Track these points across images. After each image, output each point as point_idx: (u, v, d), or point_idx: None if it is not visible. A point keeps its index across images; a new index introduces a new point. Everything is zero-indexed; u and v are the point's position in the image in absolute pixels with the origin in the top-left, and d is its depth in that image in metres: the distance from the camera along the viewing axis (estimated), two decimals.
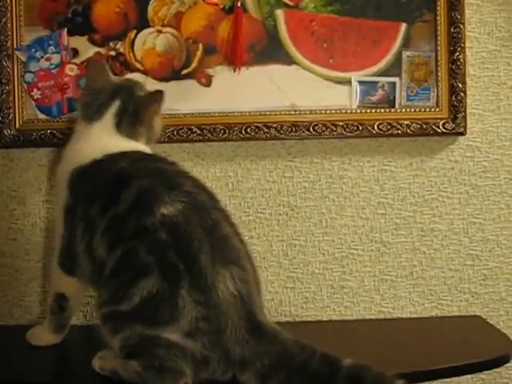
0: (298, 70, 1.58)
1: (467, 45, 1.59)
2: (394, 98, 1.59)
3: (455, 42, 1.57)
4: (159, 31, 1.58)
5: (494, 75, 1.62)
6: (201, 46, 1.58)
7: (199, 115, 1.58)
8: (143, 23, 1.58)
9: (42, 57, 1.58)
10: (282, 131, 1.58)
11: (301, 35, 1.58)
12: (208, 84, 1.59)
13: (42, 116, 1.60)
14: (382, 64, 1.59)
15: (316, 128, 1.58)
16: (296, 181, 1.63)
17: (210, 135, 1.58)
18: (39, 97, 1.59)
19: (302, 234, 1.64)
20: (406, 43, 1.59)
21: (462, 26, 1.57)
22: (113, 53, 1.59)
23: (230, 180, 1.63)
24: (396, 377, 1.19)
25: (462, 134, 1.60)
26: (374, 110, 1.59)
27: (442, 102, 1.59)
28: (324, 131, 1.58)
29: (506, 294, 1.65)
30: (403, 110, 1.59)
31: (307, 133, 1.58)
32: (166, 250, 1.22)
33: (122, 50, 1.59)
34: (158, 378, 1.21)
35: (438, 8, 1.58)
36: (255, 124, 1.58)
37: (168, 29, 1.58)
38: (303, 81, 1.58)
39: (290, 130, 1.58)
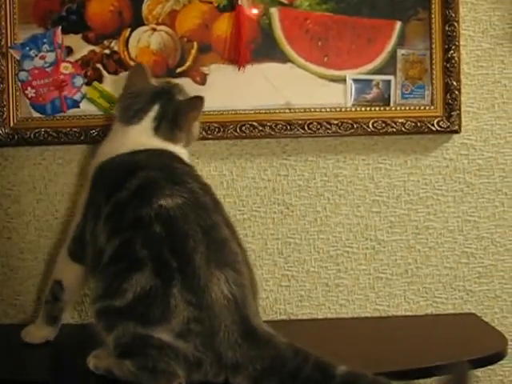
0: (293, 69, 1.58)
1: (462, 43, 1.59)
2: (389, 96, 1.59)
3: (450, 40, 1.57)
4: (154, 29, 1.58)
5: (489, 73, 1.62)
6: (195, 44, 1.58)
7: None
8: (138, 21, 1.58)
9: (37, 55, 1.58)
10: (276, 129, 1.58)
11: (295, 33, 1.58)
12: (203, 82, 1.58)
13: (36, 114, 1.60)
14: (377, 62, 1.59)
15: (311, 126, 1.58)
16: (291, 179, 1.63)
17: (204, 133, 1.57)
18: (33, 95, 1.59)
19: (297, 232, 1.64)
20: (401, 41, 1.59)
21: (456, 25, 1.57)
22: (107, 51, 1.58)
23: (225, 178, 1.63)
24: (391, 382, 1.19)
25: (456, 132, 1.60)
26: (368, 108, 1.59)
27: (436, 100, 1.59)
28: (319, 129, 1.58)
29: (500, 291, 1.65)
30: (398, 108, 1.59)
31: (302, 131, 1.58)
32: (161, 244, 1.22)
33: (116, 48, 1.58)
34: (152, 379, 1.20)
35: (433, 6, 1.58)
36: (250, 122, 1.58)
37: (162, 27, 1.58)
38: (298, 79, 1.58)
39: (284, 128, 1.58)
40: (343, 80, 1.59)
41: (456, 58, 1.58)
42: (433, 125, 1.59)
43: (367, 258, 1.65)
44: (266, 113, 1.58)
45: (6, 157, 1.63)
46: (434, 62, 1.59)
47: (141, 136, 1.40)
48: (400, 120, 1.59)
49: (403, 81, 1.60)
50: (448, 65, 1.58)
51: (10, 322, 1.64)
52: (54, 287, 1.44)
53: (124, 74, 1.58)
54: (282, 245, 1.64)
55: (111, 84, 1.59)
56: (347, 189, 1.63)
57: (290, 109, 1.58)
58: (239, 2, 1.56)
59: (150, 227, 1.23)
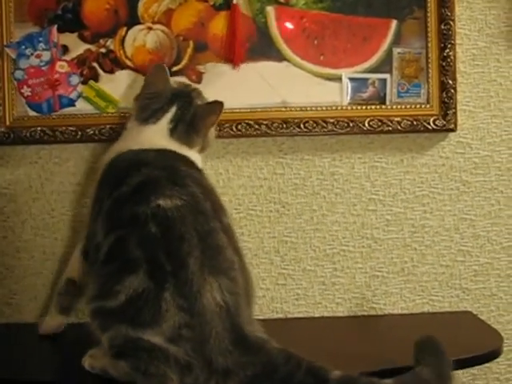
0: (289, 67, 1.58)
1: (457, 42, 1.59)
2: (385, 94, 1.60)
3: (445, 38, 1.58)
4: (149, 28, 1.58)
5: (485, 72, 1.63)
6: (191, 42, 1.58)
7: None
8: (133, 20, 1.58)
9: (32, 54, 1.58)
10: (272, 128, 1.58)
11: (291, 32, 1.58)
12: (198, 81, 1.58)
13: (32, 113, 1.59)
14: (373, 61, 1.59)
15: (307, 125, 1.58)
16: (287, 178, 1.63)
17: None
18: (29, 94, 1.59)
19: (294, 231, 1.64)
20: (397, 40, 1.59)
21: (452, 23, 1.58)
22: (103, 50, 1.58)
23: (221, 177, 1.63)
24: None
25: (452, 130, 1.60)
26: (364, 107, 1.59)
27: (432, 98, 1.59)
28: (315, 128, 1.58)
29: (496, 289, 1.65)
30: (394, 107, 1.59)
31: (298, 129, 1.58)
32: (156, 246, 1.21)
33: (112, 47, 1.58)
34: (146, 381, 1.20)
35: (429, 5, 1.58)
36: (246, 121, 1.58)
37: (158, 26, 1.58)
38: (294, 77, 1.58)
39: (280, 126, 1.58)
40: (339, 78, 1.59)
41: (452, 57, 1.58)
42: (429, 123, 1.59)
43: (363, 256, 1.65)
44: (262, 111, 1.58)
45: (2, 156, 1.63)
46: (429, 60, 1.59)
47: (155, 136, 1.40)
48: (396, 118, 1.59)
49: (399, 79, 1.60)
50: (444, 63, 1.58)
51: (6, 322, 1.64)
52: (67, 284, 1.45)
53: (119, 73, 1.58)
54: (279, 243, 1.64)
55: (107, 83, 1.59)
56: (343, 187, 1.63)
57: (286, 107, 1.58)
58: (234, 1, 1.56)
59: (146, 226, 1.22)
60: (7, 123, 1.59)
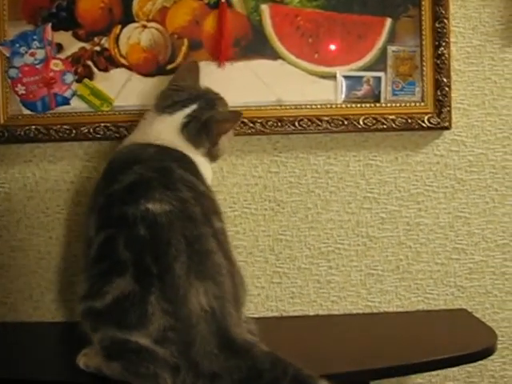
0: (284, 65, 1.58)
1: (452, 40, 1.59)
2: (380, 92, 1.60)
3: (440, 36, 1.58)
4: (144, 26, 1.58)
5: (479, 70, 1.63)
6: (186, 41, 1.58)
7: None
8: (128, 18, 1.58)
9: (27, 52, 1.57)
10: (267, 126, 1.57)
11: (286, 30, 1.58)
12: None
13: (26, 112, 1.59)
14: (368, 59, 1.59)
15: (301, 123, 1.58)
16: (282, 176, 1.63)
17: None
18: (24, 92, 1.58)
19: (288, 229, 1.64)
20: (391, 38, 1.59)
21: (446, 21, 1.58)
22: (97, 48, 1.58)
23: (216, 175, 1.62)
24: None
25: (447, 128, 1.60)
26: (359, 105, 1.59)
27: (427, 96, 1.59)
28: (309, 126, 1.58)
29: (491, 287, 1.65)
30: (388, 105, 1.59)
31: (293, 128, 1.58)
32: (143, 248, 1.21)
33: (106, 45, 1.58)
34: (140, 382, 1.20)
35: (423, 3, 1.58)
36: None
37: (153, 24, 1.58)
38: (288, 76, 1.58)
39: (275, 124, 1.58)
40: (334, 77, 1.59)
41: (446, 55, 1.58)
42: (423, 121, 1.59)
43: (358, 254, 1.65)
44: (256, 109, 1.58)
45: None
46: (424, 58, 1.59)
47: (166, 128, 1.39)
48: (390, 116, 1.59)
49: (394, 77, 1.60)
50: (438, 61, 1.58)
51: (1, 321, 1.63)
52: None
53: (114, 71, 1.58)
54: (274, 242, 1.64)
55: (102, 81, 1.58)
56: (338, 185, 1.63)
57: (280, 105, 1.58)
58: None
59: (135, 228, 1.22)
60: (1, 122, 1.59)
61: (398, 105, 1.59)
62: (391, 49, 1.59)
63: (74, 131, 1.59)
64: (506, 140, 1.64)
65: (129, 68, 1.58)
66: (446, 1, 1.57)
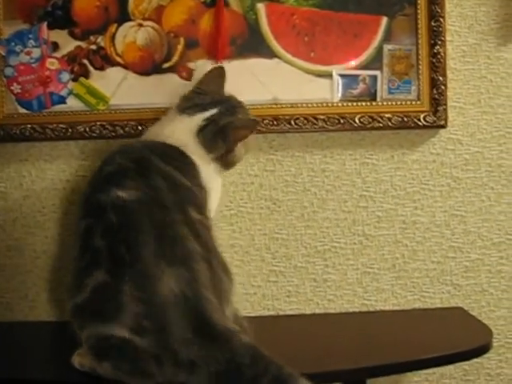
0: (280, 64, 1.58)
1: (448, 38, 1.59)
2: (376, 91, 1.60)
3: (436, 35, 1.58)
4: (140, 25, 1.58)
5: (475, 68, 1.63)
6: (182, 39, 1.58)
7: None
8: (124, 17, 1.58)
9: (22, 51, 1.57)
10: (263, 125, 1.57)
11: (282, 29, 1.58)
12: (189, 78, 1.58)
13: (22, 110, 1.59)
14: (363, 57, 1.59)
15: (297, 121, 1.58)
16: (278, 174, 1.63)
17: None
18: (19, 91, 1.58)
19: (285, 228, 1.64)
20: (387, 37, 1.59)
21: (442, 20, 1.58)
22: (93, 47, 1.58)
23: None
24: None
25: (443, 126, 1.60)
26: (355, 104, 1.59)
27: (422, 95, 1.59)
28: (305, 125, 1.58)
29: (487, 285, 1.65)
30: (384, 103, 1.59)
31: (289, 126, 1.58)
32: (115, 237, 1.21)
33: (102, 43, 1.58)
34: (131, 379, 1.19)
35: (419, 2, 1.58)
36: None
37: (149, 22, 1.58)
38: (285, 74, 1.58)
39: (271, 123, 1.58)
40: (330, 75, 1.59)
41: (442, 54, 1.58)
42: (419, 120, 1.59)
43: (355, 252, 1.65)
44: (252, 108, 1.55)
45: None
46: (420, 57, 1.59)
47: (181, 129, 1.39)
48: (387, 115, 1.59)
49: (389, 76, 1.60)
50: (434, 60, 1.58)
51: None
52: None
53: (110, 70, 1.58)
54: (270, 240, 1.64)
55: (98, 80, 1.58)
56: (334, 184, 1.64)
57: (276, 104, 1.58)
58: None
59: (106, 215, 1.22)
60: None
61: (393, 103, 1.60)
62: (387, 47, 1.59)
63: (69, 130, 1.59)
64: (501, 138, 1.64)
65: (125, 67, 1.58)
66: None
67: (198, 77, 1.56)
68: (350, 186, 1.64)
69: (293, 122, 1.58)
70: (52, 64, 1.58)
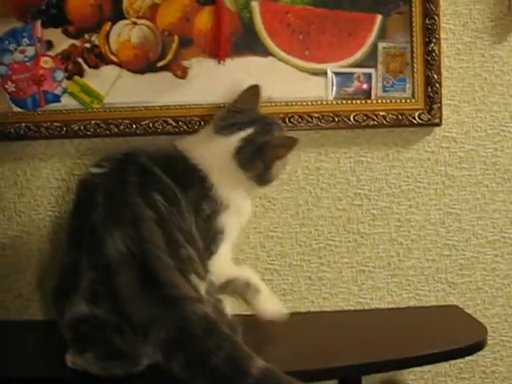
0: (274, 62, 1.58)
1: (442, 36, 1.59)
2: (370, 89, 1.60)
3: (430, 33, 1.58)
4: (134, 23, 1.58)
5: (469, 66, 1.63)
6: (176, 38, 1.57)
7: (174, 107, 1.58)
8: (118, 15, 1.57)
9: (16, 49, 1.57)
10: None
11: (276, 27, 1.58)
12: (183, 76, 1.58)
13: (16, 109, 1.59)
14: (358, 55, 1.59)
15: (292, 119, 1.58)
16: None
17: (185, 127, 1.57)
18: (14, 90, 1.58)
19: (279, 226, 1.64)
20: (382, 35, 1.59)
21: (437, 18, 1.58)
22: (88, 45, 1.57)
23: None
24: None
25: (437, 124, 1.60)
26: (349, 102, 1.59)
27: (417, 93, 1.59)
28: (300, 123, 1.58)
29: (482, 283, 1.66)
30: (379, 101, 1.59)
31: (283, 124, 1.57)
32: (79, 211, 1.28)
33: (97, 42, 1.58)
34: (117, 364, 1.20)
35: (413, 0, 1.58)
36: None
37: (143, 21, 1.57)
38: (279, 72, 1.58)
39: None
40: (324, 73, 1.59)
41: (437, 52, 1.58)
42: (414, 118, 1.59)
43: (350, 251, 1.65)
44: None
45: None
46: (414, 55, 1.59)
47: (218, 149, 1.39)
48: (381, 113, 1.59)
49: (384, 74, 1.60)
50: (429, 58, 1.58)
51: None
52: None
53: (104, 68, 1.57)
54: (265, 238, 1.64)
55: (92, 78, 1.58)
56: (329, 182, 1.63)
57: (271, 102, 1.58)
58: None
59: (77, 192, 1.31)
60: None
61: (388, 101, 1.59)
62: (382, 45, 1.59)
63: (64, 128, 1.58)
64: (496, 136, 1.64)
65: (119, 65, 1.58)
66: None
67: (192, 75, 1.57)
68: (345, 184, 1.64)
69: (287, 120, 1.58)
70: (46, 62, 1.58)
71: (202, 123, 1.57)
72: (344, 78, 1.60)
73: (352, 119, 1.59)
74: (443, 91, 1.59)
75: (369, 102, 1.59)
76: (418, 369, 1.65)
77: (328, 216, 1.64)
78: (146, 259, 1.18)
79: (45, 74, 1.58)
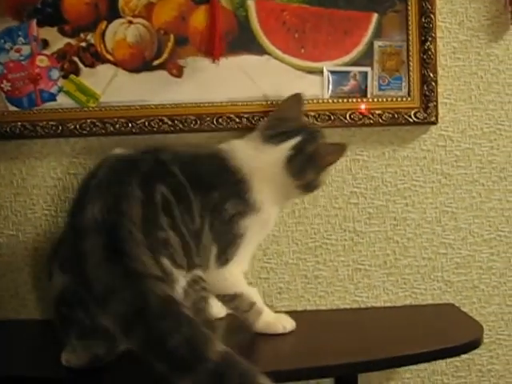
0: (270, 60, 1.58)
1: (438, 35, 1.59)
2: (366, 87, 1.60)
3: (426, 31, 1.58)
4: (130, 22, 1.57)
5: (465, 65, 1.63)
6: (172, 36, 1.57)
7: (170, 106, 1.58)
8: (114, 14, 1.57)
9: (12, 48, 1.56)
10: (253, 121, 1.57)
11: (272, 25, 1.58)
12: (179, 75, 1.58)
13: (12, 108, 1.58)
14: (354, 54, 1.59)
15: None
16: None
17: (181, 126, 1.57)
18: (9, 89, 1.58)
19: (275, 224, 1.61)
20: (378, 33, 1.59)
21: (432, 17, 1.58)
22: (83, 44, 1.57)
23: None
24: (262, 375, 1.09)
25: (433, 123, 1.60)
26: (345, 100, 1.59)
27: (413, 91, 1.59)
28: None
29: (478, 281, 1.66)
30: (375, 100, 1.59)
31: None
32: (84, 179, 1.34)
33: (92, 41, 1.57)
34: (96, 342, 1.22)
35: None
36: (227, 114, 1.57)
37: (139, 19, 1.57)
38: (275, 71, 1.58)
39: (261, 119, 1.57)
40: (320, 72, 1.59)
41: (432, 50, 1.58)
42: (410, 116, 1.59)
43: (346, 249, 1.65)
44: (243, 105, 1.57)
45: None
46: (410, 53, 1.59)
47: (269, 160, 1.40)
48: (377, 111, 1.59)
49: (380, 72, 1.60)
50: (425, 56, 1.58)
51: None
52: None
53: (100, 67, 1.57)
54: None
55: (88, 77, 1.58)
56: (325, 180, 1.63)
57: (267, 101, 1.58)
58: None
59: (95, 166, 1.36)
60: None
61: (384, 100, 1.59)
62: (377, 44, 1.59)
63: (60, 127, 1.58)
64: (492, 135, 1.64)
65: (115, 64, 1.58)
66: None
67: (188, 73, 1.57)
68: (341, 183, 1.64)
69: None
70: (42, 61, 1.58)
71: (198, 122, 1.57)
72: (340, 76, 1.60)
73: (348, 117, 1.58)
74: (439, 90, 1.59)
75: (365, 100, 1.59)
76: (414, 367, 1.65)
77: (324, 214, 1.64)
78: (115, 228, 1.19)
79: (40, 72, 1.58)
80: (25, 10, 1.56)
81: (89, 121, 1.58)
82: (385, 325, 1.55)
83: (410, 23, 1.58)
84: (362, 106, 1.57)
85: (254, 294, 1.42)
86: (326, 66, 1.59)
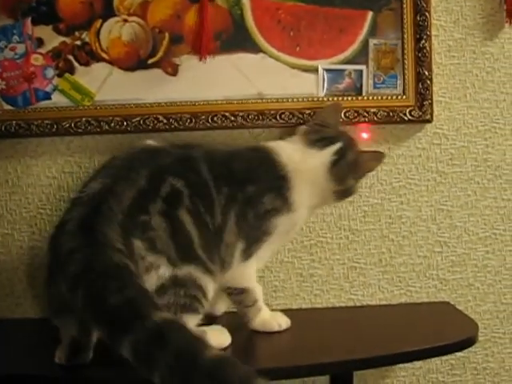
0: (265, 59, 1.58)
1: (433, 33, 1.59)
2: (361, 85, 1.60)
3: (421, 30, 1.58)
4: (125, 20, 1.57)
5: (460, 63, 1.63)
6: (167, 35, 1.57)
7: (165, 104, 1.57)
8: (109, 12, 1.57)
9: (6, 46, 1.56)
10: (248, 120, 1.57)
11: (267, 23, 1.58)
12: (174, 73, 1.58)
13: (7, 107, 1.58)
14: (349, 52, 1.59)
15: (283, 116, 1.58)
16: None
17: (176, 124, 1.57)
18: (4, 87, 1.57)
19: None
20: (373, 31, 1.59)
21: (427, 15, 1.58)
22: (78, 42, 1.57)
23: None
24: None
25: (428, 121, 1.60)
26: (340, 98, 1.59)
27: (408, 89, 1.59)
28: (291, 119, 1.58)
29: (473, 279, 1.66)
30: (370, 98, 1.59)
31: (274, 121, 1.58)
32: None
33: (87, 39, 1.57)
34: (65, 321, 1.24)
35: None
36: (222, 113, 1.57)
37: (134, 18, 1.57)
38: (270, 69, 1.58)
39: (256, 118, 1.57)
40: (315, 70, 1.59)
41: (428, 48, 1.58)
42: (405, 114, 1.59)
43: (341, 247, 1.65)
44: (238, 103, 1.57)
45: None
46: (405, 51, 1.59)
47: (315, 163, 1.44)
48: (372, 110, 1.59)
49: (375, 70, 1.60)
50: (420, 54, 1.58)
51: None
52: None
53: (95, 66, 1.57)
54: None
55: (83, 75, 1.57)
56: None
57: (262, 99, 1.58)
58: None
59: None
60: None
61: (379, 98, 1.59)
62: (373, 42, 1.59)
63: (55, 126, 1.58)
64: (487, 133, 1.64)
65: (110, 62, 1.57)
66: None
67: (183, 72, 1.57)
68: None
69: (278, 117, 1.58)
70: (37, 60, 1.57)
71: (193, 120, 1.57)
72: (335, 74, 1.60)
73: (343, 116, 1.58)
74: (434, 88, 1.59)
75: (360, 98, 1.59)
76: (410, 365, 1.65)
77: (319, 213, 1.63)
78: (100, 204, 1.23)
79: (35, 71, 1.57)
80: (20, 8, 1.56)
81: (84, 119, 1.58)
82: (380, 323, 1.55)
83: (405, 21, 1.58)
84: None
85: (258, 291, 1.44)
86: (321, 64, 1.59)
